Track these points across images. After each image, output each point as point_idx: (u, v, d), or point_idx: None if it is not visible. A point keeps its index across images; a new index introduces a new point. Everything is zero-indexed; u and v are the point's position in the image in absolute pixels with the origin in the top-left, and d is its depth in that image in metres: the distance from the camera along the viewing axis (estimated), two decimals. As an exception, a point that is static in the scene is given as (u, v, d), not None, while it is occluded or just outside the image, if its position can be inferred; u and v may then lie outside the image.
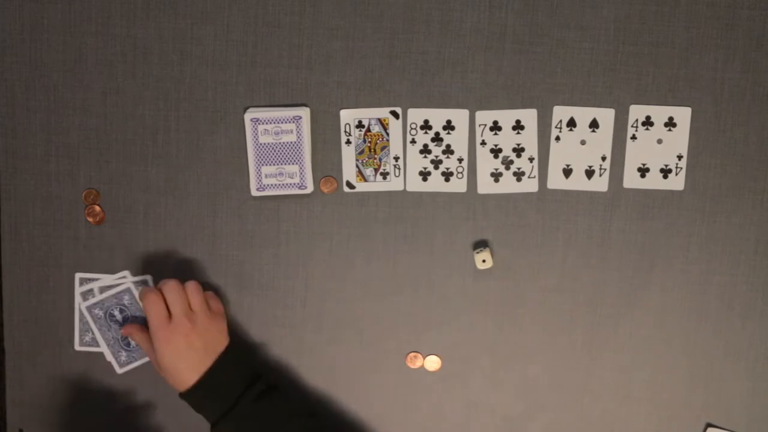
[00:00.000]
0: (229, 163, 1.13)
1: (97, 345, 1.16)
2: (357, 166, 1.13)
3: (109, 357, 1.14)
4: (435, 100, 1.11)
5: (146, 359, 1.14)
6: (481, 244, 1.13)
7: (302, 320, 1.16)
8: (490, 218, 1.13)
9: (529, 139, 1.12)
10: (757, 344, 1.13)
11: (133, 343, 1.14)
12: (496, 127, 1.11)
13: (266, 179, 1.13)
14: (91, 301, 1.13)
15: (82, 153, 1.14)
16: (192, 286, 1.07)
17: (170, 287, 1.05)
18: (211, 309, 1.07)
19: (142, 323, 1.10)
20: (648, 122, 1.11)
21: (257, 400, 1.03)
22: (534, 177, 1.12)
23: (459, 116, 1.11)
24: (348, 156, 1.13)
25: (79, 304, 1.14)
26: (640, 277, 1.13)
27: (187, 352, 1.03)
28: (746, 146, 1.11)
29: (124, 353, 1.14)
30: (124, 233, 1.15)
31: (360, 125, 1.12)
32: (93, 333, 1.14)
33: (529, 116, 1.11)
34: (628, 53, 1.10)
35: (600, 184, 1.12)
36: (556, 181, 1.12)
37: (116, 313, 1.13)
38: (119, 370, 1.15)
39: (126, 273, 1.15)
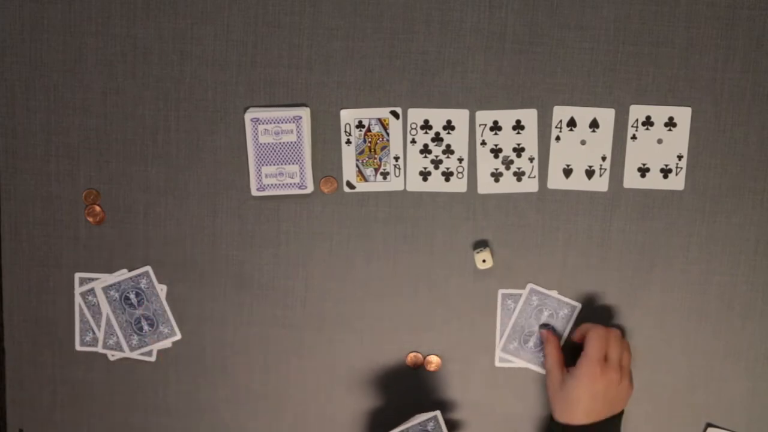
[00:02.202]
0: (229, 163, 1.13)
1: (97, 345, 1.16)
2: (357, 166, 1.13)
3: (121, 338, 1.14)
4: (435, 100, 1.11)
5: (159, 345, 1.15)
6: (481, 244, 1.13)
7: (302, 320, 1.16)
8: (490, 218, 1.13)
9: (529, 139, 1.12)
10: (757, 344, 1.14)
11: (146, 328, 1.14)
12: (496, 127, 1.11)
13: (266, 179, 1.13)
14: (108, 282, 1.13)
15: (82, 153, 1.14)
16: (627, 345, 1.07)
17: (617, 336, 1.06)
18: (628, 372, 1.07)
19: (157, 307, 1.13)
20: (648, 122, 1.11)
21: None
22: (534, 177, 1.12)
23: (459, 116, 1.11)
24: (348, 156, 1.13)
25: (95, 285, 1.14)
26: (640, 277, 1.13)
27: (597, 396, 1.02)
28: (746, 146, 1.11)
29: (135, 337, 1.15)
30: (124, 233, 1.15)
31: (360, 125, 1.12)
32: (105, 315, 1.15)
33: (529, 116, 1.11)
34: (628, 53, 1.10)
35: (600, 184, 1.12)
36: (556, 181, 1.12)
37: (132, 296, 1.14)
38: (129, 353, 1.15)
39: (124, 271, 1.15)
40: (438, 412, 1.10)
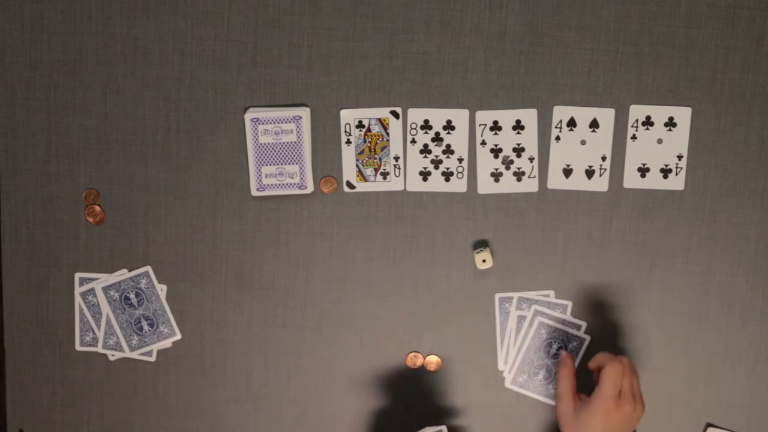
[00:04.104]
0: (229, 163, 1.13)
1: (97, 345, 1.16)
2: (357, 166, 1.13)
3: (120, 338, 1.15)
4: (435, 100, 1.11)
5: (159, 345, 1.16)
6: (481, 244, 1.13)
7: (302, 320, 1.16)
8: (490, 218, 1.13)
9: (529, 139, 1.12)
10: (758, 344, 1.14)
11: (146, 328, 1.14)
12: (496, 127, 1.11)
13: (266, 179, 1.13)
14: (108, 282, 1.14)
15: (82, 153, 1.14)
16: (636, 371, 1.05)
17: (630, 367, 1.03)
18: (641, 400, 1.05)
19: (157, 307, 1.13)
20: (648, 122, 1.11)
21: None
22: (534, 177, 1.12)
23: (459, 116, 1.11)
24: (348, 156, 1.13)
25: (95, 285, 1.14)
26: (640, 277, 1.13)
27: (611, 429, 1.01)
28: (746, 146, 1.11)
29: (136, 337, 1.15)
30: (124, 233, 1.15)
31: (360, 125, 1.12)
32: (104, 316, 1.15)
33: (529, 116, 1.11)
34: (628, 53, 1.10)
35: (600, 184, 1.12)
36: (556, 181, 1.12)
37: (132, 296, 1.14)
38: (129, 353, 1.15)
39: (124, 271, 1.15)
40: (444, 427, 1.11)
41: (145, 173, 1.14)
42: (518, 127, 1.11)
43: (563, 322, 1.13)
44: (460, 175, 1.12)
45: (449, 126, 1.12)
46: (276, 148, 1.12)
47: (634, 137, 1.11)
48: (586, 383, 1.16)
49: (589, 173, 1.12)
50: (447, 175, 1.12)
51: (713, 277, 1.13)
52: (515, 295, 1.13)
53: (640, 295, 1.13)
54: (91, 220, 1.15)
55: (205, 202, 1.14)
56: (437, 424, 1.16)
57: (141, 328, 1.15)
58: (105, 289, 1.15)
